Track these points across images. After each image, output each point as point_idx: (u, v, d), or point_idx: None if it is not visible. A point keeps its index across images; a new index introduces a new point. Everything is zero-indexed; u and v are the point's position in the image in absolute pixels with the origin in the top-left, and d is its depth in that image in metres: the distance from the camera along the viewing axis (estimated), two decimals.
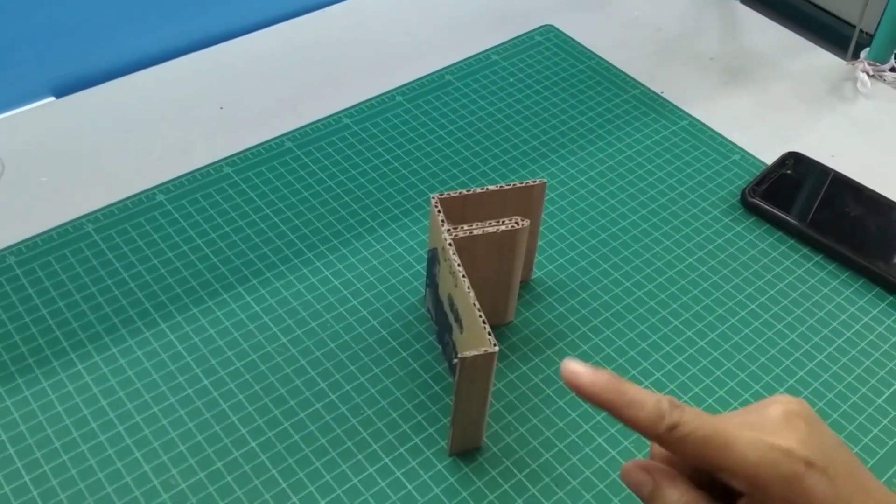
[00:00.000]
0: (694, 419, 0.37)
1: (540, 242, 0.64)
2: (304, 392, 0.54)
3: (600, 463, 0.51)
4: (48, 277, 0.59)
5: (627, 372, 0.56)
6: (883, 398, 0.55)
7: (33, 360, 0.55)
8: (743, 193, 0.66)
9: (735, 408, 0.54)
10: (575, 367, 0.37)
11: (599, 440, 0.52)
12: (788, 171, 0.68)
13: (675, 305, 0.60)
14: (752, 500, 0.37)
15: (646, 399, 0.37)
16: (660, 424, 0.36)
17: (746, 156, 0.71)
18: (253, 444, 0.51)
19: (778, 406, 0.38)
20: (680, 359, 0.57)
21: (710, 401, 0.55)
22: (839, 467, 0.37)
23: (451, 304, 0.51)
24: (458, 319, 0.51)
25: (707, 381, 0.56)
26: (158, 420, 0.52)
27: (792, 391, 0.55)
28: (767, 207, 0.65)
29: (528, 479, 0.50)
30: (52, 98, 0.74)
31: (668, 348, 0.57)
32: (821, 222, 0.64)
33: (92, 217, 0.64)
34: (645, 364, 0.56)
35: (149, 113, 0.73)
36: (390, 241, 0.63)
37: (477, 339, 0.47)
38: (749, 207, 0.66)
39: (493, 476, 0.50)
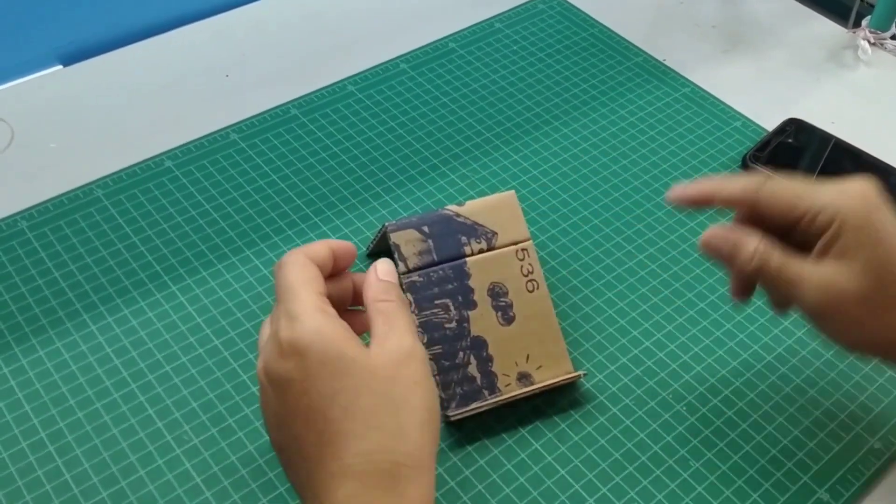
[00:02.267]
0: (776, 179, 0.46)
1: (542, 208, 0.65)
2: None
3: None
4: (59, 241, 0.60)
5: (628, 333, 0.57)
6: None
7: (47, 321, 0.56)
8: (744, 159, 0.67)
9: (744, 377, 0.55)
10: (675, 190, 0.47)
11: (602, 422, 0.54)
12: (789, 139, 0.69)
13: (675, 269, 0.61)
14: (832, 233, 0.43)
15: (734, 178, 0.47)
16: (752, 185, 0.45)
17: (747, 122, 0.72)
18: (247, 411, 0.52)
19: (850, 181, 0.45)
20: (680, 320, 0.58)
21: (713, 363, 0.56)
22: None
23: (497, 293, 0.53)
24: (507, 316, 0.52)
25: (707, 342, 0.57)
26: (171, 378, 0.53)
27: (796, 348, 0.56)
28: (768, 173, 0.65)
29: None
30: (60, 66, 0.75)
31: (668, 310, 0.58)
32: None
33: (101, 182, 0.64)
34: (646, 325, 0.57)
35: (155, 80, 0.73)
36: (395, 206, 0.64)
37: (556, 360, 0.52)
38: (750, 173, 0.66)
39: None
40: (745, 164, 0.67)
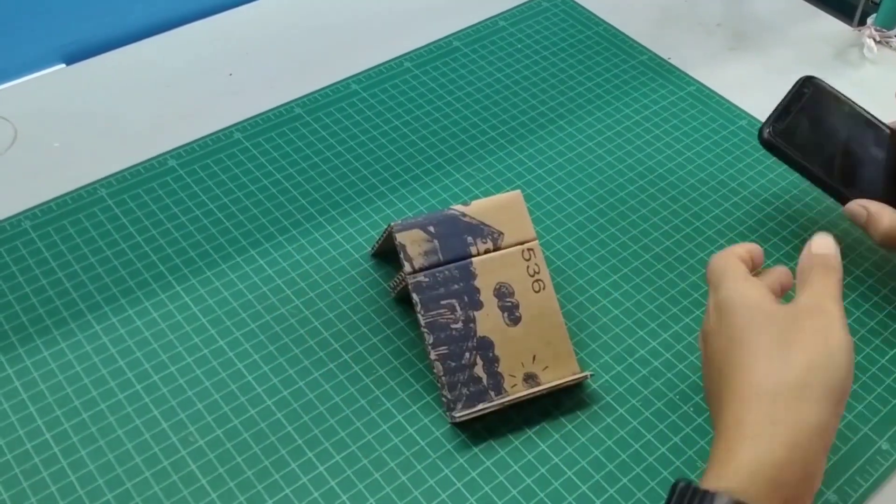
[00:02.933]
0: None
1: (548, 207, 0.64)
2: (317, 352, 0.55)
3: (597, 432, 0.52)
4: (63, 241, 0.60)
5: (635, 333, 0.57)
6: None
7: (51, 321, 0.55)
8: (761, 133, 0.60)
9: None
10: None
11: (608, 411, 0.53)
12: (809, 106, 0.62)
13: (682, 268, 0.61)
14: None
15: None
16: None
17: (753, 121, 0.72)
18: (269, 402, 0.52)
19: None
20: (687, 320, 0.58)
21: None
22: None
23: (503, 293, 0.53)
24: (513, 316, 0.52)
25: None
26: (175, 379, 0.53)
27: None
28: (788, 152, 0.60)
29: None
30: (63, 65, 0.74)
31: (674, 310, 0.58)
32: (845, 170, 0.60)
33: (105, 182, 0.64)
34: (652, 325, 0.57)
35: (158, 79, 0.73)
36: (400, 205, 0.64)
37: (562, 361, 0.52)
38: (768, 147, 0.60)
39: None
40: (765, 140, 0.60)
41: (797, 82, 0.62)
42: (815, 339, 0.41)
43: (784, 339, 0.41)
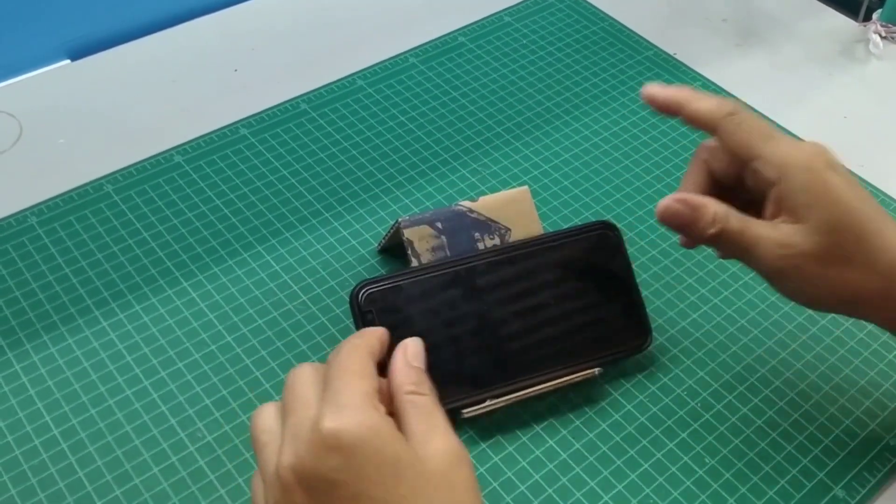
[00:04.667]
0: (747, 114, 0.46)
1: (554, 203, 0.64)
2: (325, 348, 0.55)
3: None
4: (70, 237, 0.60)
5: (653, 321, 0.57)
6: None
7: (58, 317, 0.55)
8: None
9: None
10: (653, 86, 0.47)
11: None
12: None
13: (689, 264, 0.61)
14: (779, 189, 0.44)
15: (712, 95, 0.46)
16: (722, 109, 0.45)
17: (760, 116, 0.71)
18: (276, 398, 0.52)
19: (812, 142, 0.46)
20: (694, 316, 0.58)
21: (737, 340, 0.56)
22: (853, 179, 0.45)
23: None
24: None
25: (720, 337, 0.56)
26: (184, 375, 0.53)
27: (810, 343, 0.56)
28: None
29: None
30: (68, 60, 0.74)
31: (682, 305, 0.58)
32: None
33: (111, 178, 0.64)
34: (659, 321, 0.57)
35: (164, 75, 0.73)
36: (406, 201, 0.64)
37: None
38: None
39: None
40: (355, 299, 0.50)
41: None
42: (472, 499, 0.37)
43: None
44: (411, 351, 0.41)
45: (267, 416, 0.38)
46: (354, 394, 0.36)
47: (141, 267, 0.59)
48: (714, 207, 0.45)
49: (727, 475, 0.50)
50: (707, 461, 0.50)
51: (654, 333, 0.54)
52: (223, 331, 0.55)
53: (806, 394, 0.54)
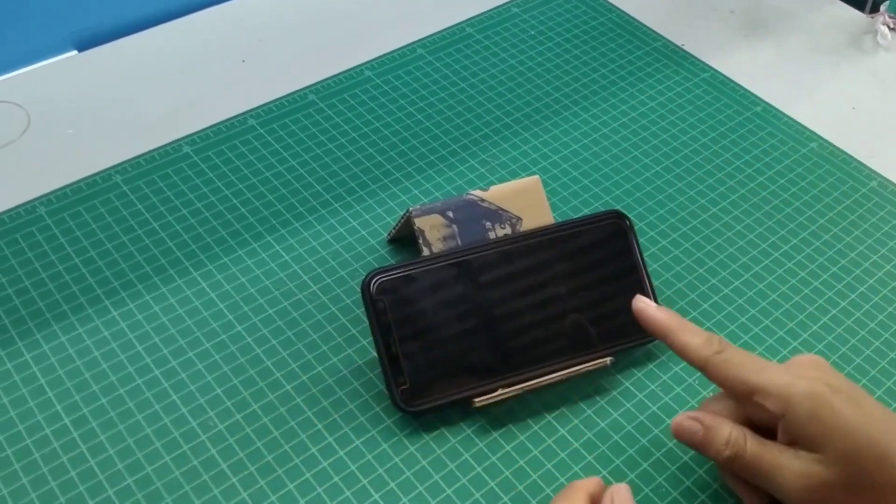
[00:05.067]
0: (735, 350, 0.44)
1: (564, 193, 0.64)
2: (335, 338, 0.55)
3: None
4: (79, 227, 0.60)
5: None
6: None
7: (68, 307, 0.55)
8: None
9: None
10: (645, 302, 0.47)
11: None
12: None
13: (699, 254, 0.60)
14: (787, 422, 0.42)
15: (699, 330, 0.46)
16: (709, 347, 0.44)
17: (768, 107, 0.72)
18: (288, 387, 0.52)
19: (803, 356, 0.45)
20: (705, 305, 0.58)
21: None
22: (859, 394, 0.42)
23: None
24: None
25: (732, 327, 0.56)
26: (194, 364, 0.53)
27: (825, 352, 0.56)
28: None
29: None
30: (75, 51, 0.74)
31: (692, 295, 0.58)
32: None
33: (120, 168, 0.64)
34: (681, 303, 0.57)
35: (171, 66, 0.73)
36: (415, 192, 0.64)
37: None
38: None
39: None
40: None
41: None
42: None
43: None
44: (621, 494, 0.41)
45: None
46: None
47: (150, 257, 0.58)
48: (728, 430, 0.43)
49: None
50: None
51: None
52: (234, 320, 0.55)
53: None
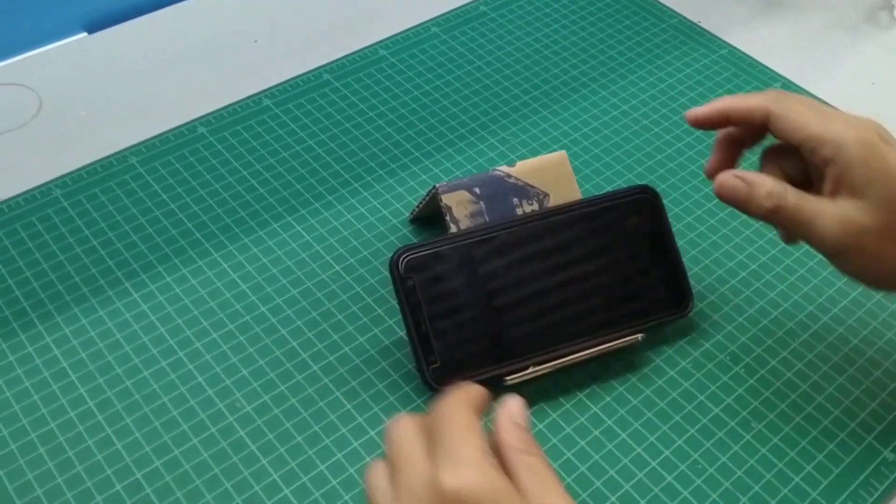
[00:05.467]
0: (794, 95, 0.46)
1: (586, 171, 0.63)
2: (361, 318, 0.54)
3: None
4: (96, 209, 0.59)
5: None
6: None
7: (88, 289, 0.54)
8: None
9: None
10: (694, 111, 0.48)
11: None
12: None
13: (725, 230, 0.60)
14: (835, 167, 0.43)
15: (753, 93, 0.47)
16: (770, 95, 0.46)
17: (788, 83, 0.71)
18: (315, 368, 0.51)
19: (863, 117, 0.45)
20: (732, 282, 0.57)
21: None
22: None
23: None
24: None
25: (761, 303, 0.56)
26: (219, 346, 0.52)
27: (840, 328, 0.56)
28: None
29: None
30: (85, 34, 0.73)
31: (720, 272, 0.57)
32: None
33: (135, 150, 0.63)
34: (698, 287, 0.56)
35: (182, 47, 0.72)
36: (436, 170, 0.63)
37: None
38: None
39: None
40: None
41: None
42: None
43: None
44: (514, 410, 0.37)
45: (376, 474, 0.36)
46: (471, 450, 0.34)
47: (169, 238, 0.57)
48: (771, 183, 0.45)
49: (775, 440, 0.49)
50: (754, 426, 0.50)
51: (694, 300, 0.53)
52: (257, 301, 0.54)
53: (850, 358, 0.53)
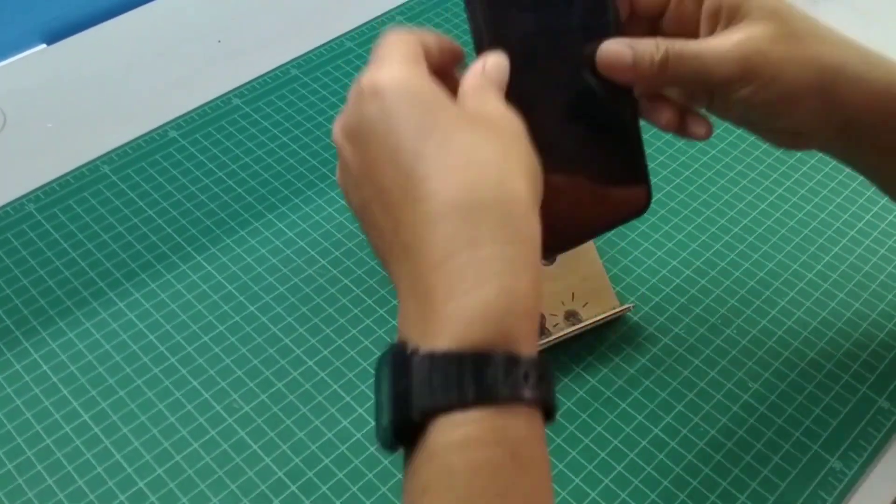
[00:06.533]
0: None
1: None
2: (351, 309, 0.53)
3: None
4: (72, 221, 0.58)
5: (667, 264, 0.56)
6: None
7: (71, 302, 0.53)
8: None
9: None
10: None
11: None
12: None
13: (704, 196, 0.60)
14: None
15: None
16: None
17: None
18: (310, 363, 0.51)
19: None
20: (727, 238, 0.57)
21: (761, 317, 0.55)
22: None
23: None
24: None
25: (749, 262, 0.56)
26: (211, 349, 0.51)
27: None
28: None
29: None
30: (44, 45, 0.71)
31: (713, 229, 0.58)
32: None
33: (106, 158, 0.62)
34: (683, 254, 0.57)
35: (144, 53, 0.71)
36: None
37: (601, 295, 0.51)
38: None
39: None
40: None
41: None
42: (521, 144, 0.34)
43: (494, 145, 0.33)
44: (490, 63, 0.36)
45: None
46: (395, 52, 0.35)
47: (150, 245, 0.57)
48: (653, 41, 0.40)
49: (772, 397, 0.50)
50: (751, 385, 0.50)
51: (688, 270, 0.54)
52: (245, 301, 0.54)
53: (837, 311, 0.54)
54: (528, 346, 0.32)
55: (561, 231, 0.39)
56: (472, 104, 0.35)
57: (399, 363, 0.31)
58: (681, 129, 0.44)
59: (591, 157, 0.42)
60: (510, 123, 0.35)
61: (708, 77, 0.41)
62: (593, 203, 0.42)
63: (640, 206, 0.42)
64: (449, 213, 0.32)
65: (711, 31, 0.41)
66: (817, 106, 0.42)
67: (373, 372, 0.50)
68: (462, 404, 0.30)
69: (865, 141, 0.44)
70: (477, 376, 0.30)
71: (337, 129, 0.36)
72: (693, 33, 0.42)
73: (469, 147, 0.33)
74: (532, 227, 0.33)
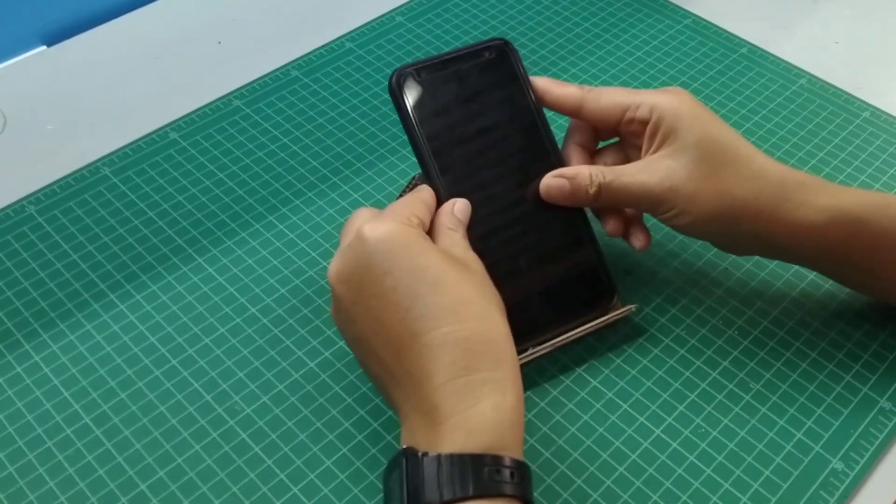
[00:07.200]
0: (604, 87, 0.51)
1: None
2: None
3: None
4: (73, 223, 0.58)
5: (668, 265, 0.56)
6: None
7: (72, 304, 0.53)
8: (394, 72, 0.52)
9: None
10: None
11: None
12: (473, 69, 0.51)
13: None
14: (654, 122, 0.48)
15: (569, 83, 0.51)
16: (582, 88, 0.50)
17: (753, 48, 0.71)
18: (311, 365, 0.51)
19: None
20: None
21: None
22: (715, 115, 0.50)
23: None
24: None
25: (747, 266, 0.56)
26: (212, 350, 0.51)
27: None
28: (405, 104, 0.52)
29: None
30: (44, 47, 0.71)
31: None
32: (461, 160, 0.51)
33: (107, 160, 0.62)
34: (684, 255, 0.57)
35: (144, 54, 0.71)
36: (414, 160, 0.62)
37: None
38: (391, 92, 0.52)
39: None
40: (391, 82, 0.51)
41: (487, 41, 0.52)
42: (491, 287, 0.43)
43: (475, 285, 0.42)
44: (458, 205, 0.47)
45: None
46: (395, 212, 0.43)
47: (151, 247, 0.57)
48: (588, 170, 0.48)
49: (773, 398, 0.50)
50: (752, 386, 0.50)
51: (689, 272, 0.53)
52: (246, 303, 0.54)
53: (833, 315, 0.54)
54: (515, 451, 0.39)
55: (530, 337, 0.49)
56: (444, 242, 0.44)
57: (412, 464, 0.37)
58: (625, 236, 0.52)
59: (550, 268, 0.50)
60: (478, 265, 0.43)
61: (636, 204, 0.49)
62: (558, 307, 0.50)
63: (605, 305, 0.50)
64: (445, 345, 0.39)
65: (650, 147, 0.49)
66: (734, 231, 0.48)
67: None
68: (463, 497, 0.37)
69: (808, 263, 0.51)
70: (476, 474, 0.37)
71: (332, 273, 0.42)
72: (639, 144, 0.50)
73: (454, 287, 0.40)
74: (511, 352, 0.41)
